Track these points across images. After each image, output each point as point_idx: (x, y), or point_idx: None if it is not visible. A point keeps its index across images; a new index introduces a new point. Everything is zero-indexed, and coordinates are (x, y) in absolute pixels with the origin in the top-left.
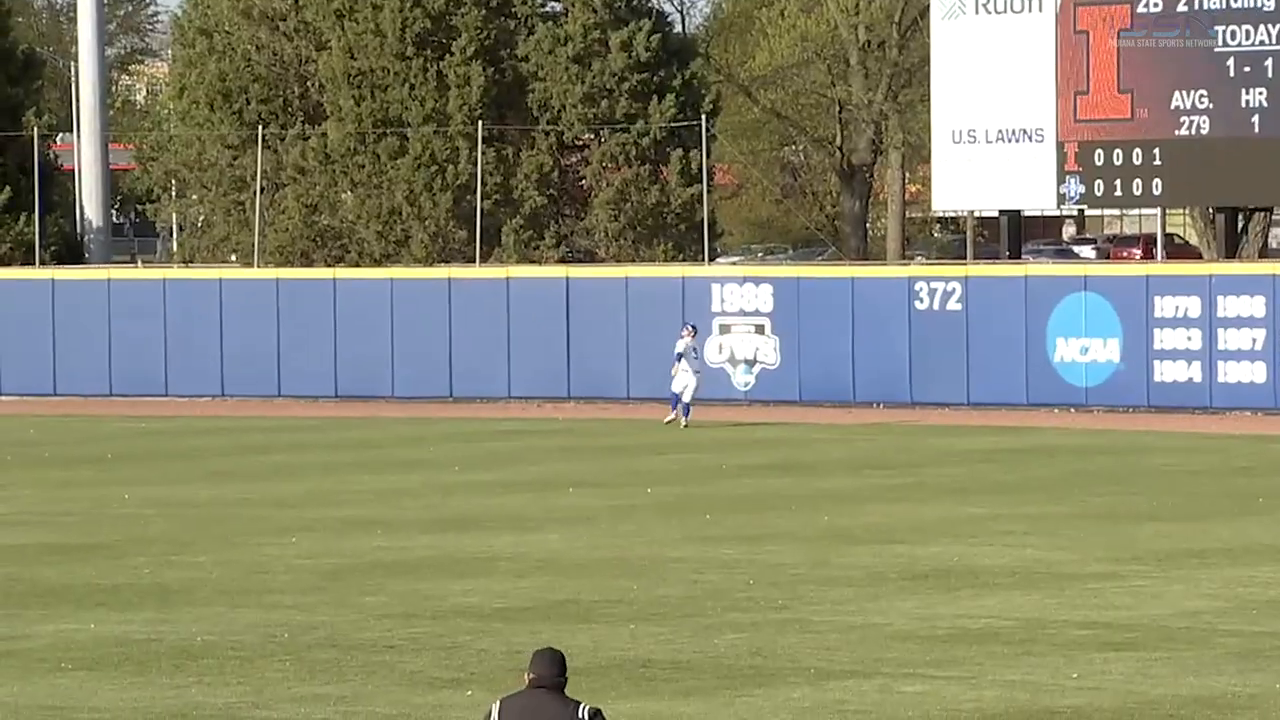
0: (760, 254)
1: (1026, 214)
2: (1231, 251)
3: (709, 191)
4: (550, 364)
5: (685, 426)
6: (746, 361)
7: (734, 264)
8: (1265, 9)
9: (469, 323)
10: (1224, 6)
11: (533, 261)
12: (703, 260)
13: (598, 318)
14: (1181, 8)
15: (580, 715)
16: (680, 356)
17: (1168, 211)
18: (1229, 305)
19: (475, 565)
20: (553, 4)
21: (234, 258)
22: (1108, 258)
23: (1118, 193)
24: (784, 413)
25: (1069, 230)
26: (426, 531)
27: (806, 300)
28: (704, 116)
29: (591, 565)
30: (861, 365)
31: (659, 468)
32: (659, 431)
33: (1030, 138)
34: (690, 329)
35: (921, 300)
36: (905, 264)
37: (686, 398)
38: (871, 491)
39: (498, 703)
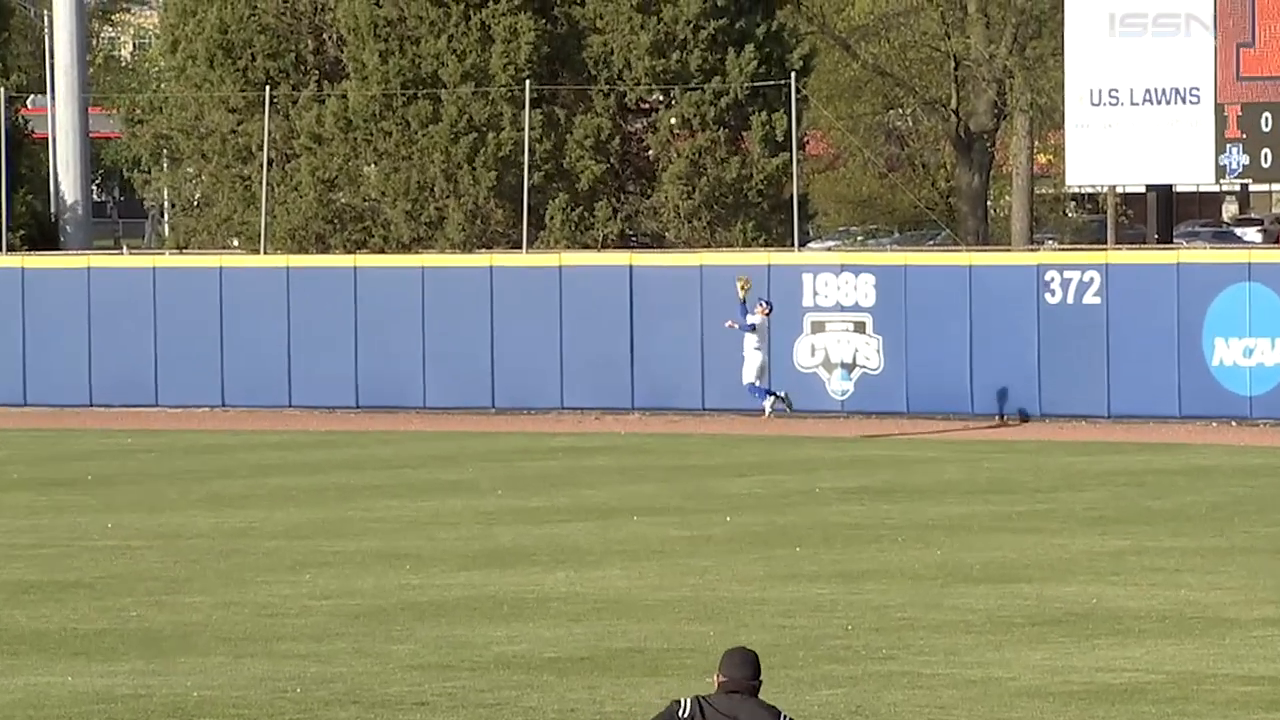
0: (860, 238)
1: (1179, 190)
2: None
3: (799, 163)
4: (610, 369)
5: (773, 414)
6: (844, 365)
7: (829, 249)
8: None
9: (514, 319)
10: None
11: (589, 246)
12: (792, 245)
13: (667, 313)
14: None
15: None
16: (753, 328)
17: None
18: None
19: (522, 607)
20: None
21: (236, 242)
22: (1276, 241)
23: None
24: (888, 426)
25: (1230, 209)
26: (464, 567)
27: (915, 293)
28: (793, 74)
29: (660, 607)
30: (981, 370)
31: (739, 491)
32: (740, 448)
33: (1184, 99)
34: (766, 305)
35: (1053, 293)
36: (1033, 250)
37: (763, 380)
38: (992, 520)
39: (689, 698)
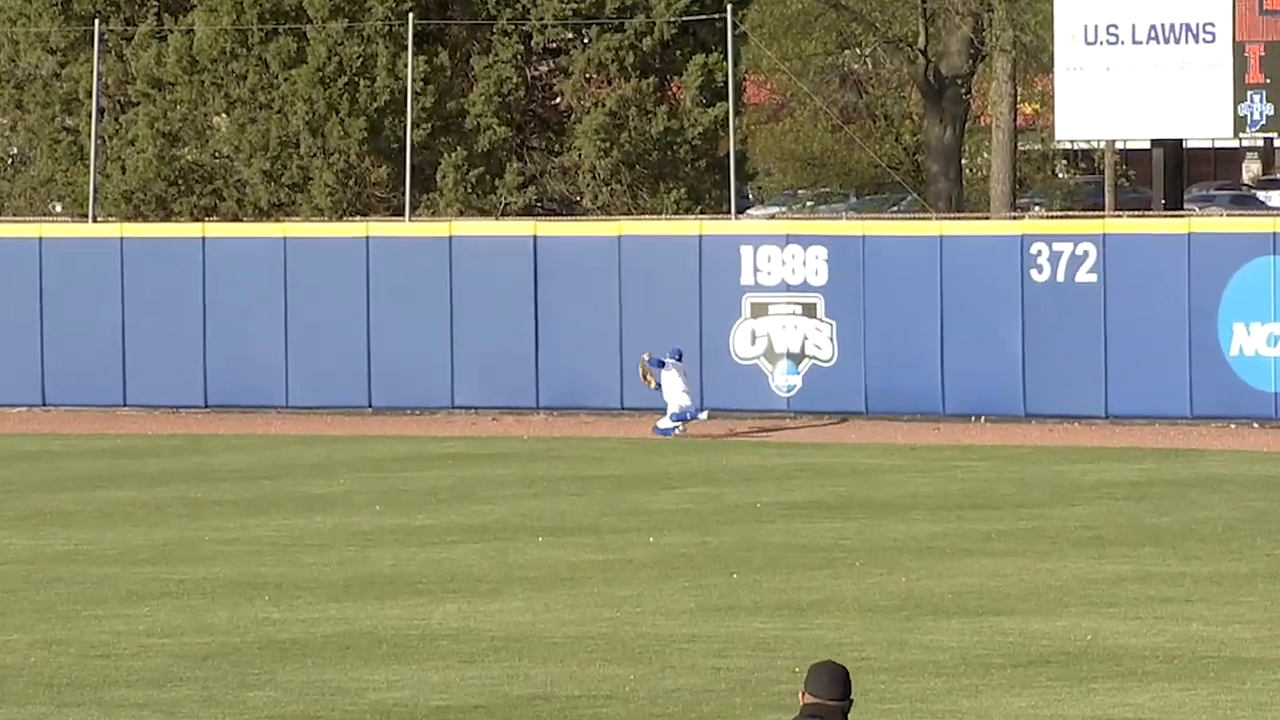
0: (810, 203)
1: (1190, 146)
2: None
3: (737, 114)
4: (511, 360)
5: (681, 432)
6: (790, 356)
7: (773, 217)
8: None
9: (396, 301)
10: None
11: (487, 214)
12: (728, 212)
13: (579, 295)
14: None
15: None
16: (662, 364)
17: None
18: None
19: (405, 646)
20: None
21: (59, 208)
22: None
23: None
24: (843, 430)
25: (1252, 169)
26: (335, 598)
27: (876, 269)
28: (729, 6)
29: (569, 645)
30: (954, 362)
31: (665, 507)
32: (666, 454)
33: (1196, 36)
34: (676, 359)
35: (1040, 269)
36: (1017, 217)
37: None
38: (968, 541)
39: None
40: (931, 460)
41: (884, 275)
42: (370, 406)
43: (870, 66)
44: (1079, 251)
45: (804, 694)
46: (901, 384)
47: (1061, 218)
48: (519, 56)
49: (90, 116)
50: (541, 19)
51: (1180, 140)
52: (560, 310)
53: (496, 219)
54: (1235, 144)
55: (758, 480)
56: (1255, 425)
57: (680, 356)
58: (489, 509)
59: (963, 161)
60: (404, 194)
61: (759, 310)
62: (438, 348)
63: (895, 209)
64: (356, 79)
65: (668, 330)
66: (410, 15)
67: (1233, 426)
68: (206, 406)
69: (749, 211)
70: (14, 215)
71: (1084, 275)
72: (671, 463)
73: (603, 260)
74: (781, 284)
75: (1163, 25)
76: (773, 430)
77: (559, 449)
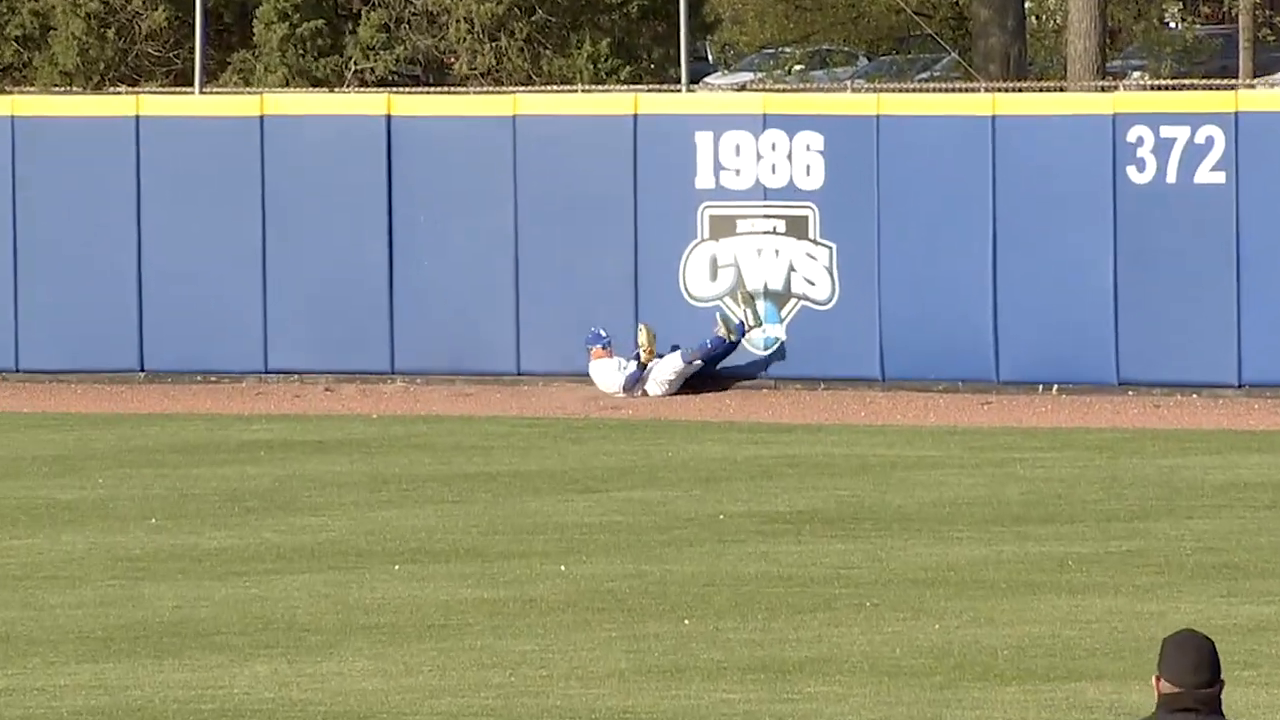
0: (798, 67)
1: None
2: None
3: None
4: (355, 303)
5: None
6: (769, 296)
7: (744, 88)
8: None
9: (179, 215)
10: None
11: (320, 83)
12: (677, 81)
13: (455, 203)
14: None
15: None
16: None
17: None
18: None
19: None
20: None
21: None
22: None
23: None
24: (847, 405)
25: None
26: (90, 655)
27: (896, 166)
28: None
29: None
30: (1014, 305)
31: (585, 519)
32: (586, 439)
33: None
34: (603, 342)
35: (1141, 165)
36: (1108, 88)
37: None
38: (1033, 571)
39: None
40: (979, 450)
41: (908, 175)
42: (142, 370)
43: None
44: (1199, 138)
45: (1158, 679)
46: (934, 337)
47: (1174, 88)
48: None
49: None
50: None
51: None
52: (427, 229)
53: (330, 91)
54: None
55: (721, 480)
56: None
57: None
58: (320, 523)
59: (1025, 6)
60: (194, 53)
61: (722, 228)
62: (243, 285)
63: (925, 75)
64: None
65: (584, 259)
66: None
67: None
68: None
69: (708, 80)
70: None
71: (1206, 174)
72: (594, 453)
73: (489, 153)
74: (756, 188)
75: None
76: (743, 405)
77: (424, 434)
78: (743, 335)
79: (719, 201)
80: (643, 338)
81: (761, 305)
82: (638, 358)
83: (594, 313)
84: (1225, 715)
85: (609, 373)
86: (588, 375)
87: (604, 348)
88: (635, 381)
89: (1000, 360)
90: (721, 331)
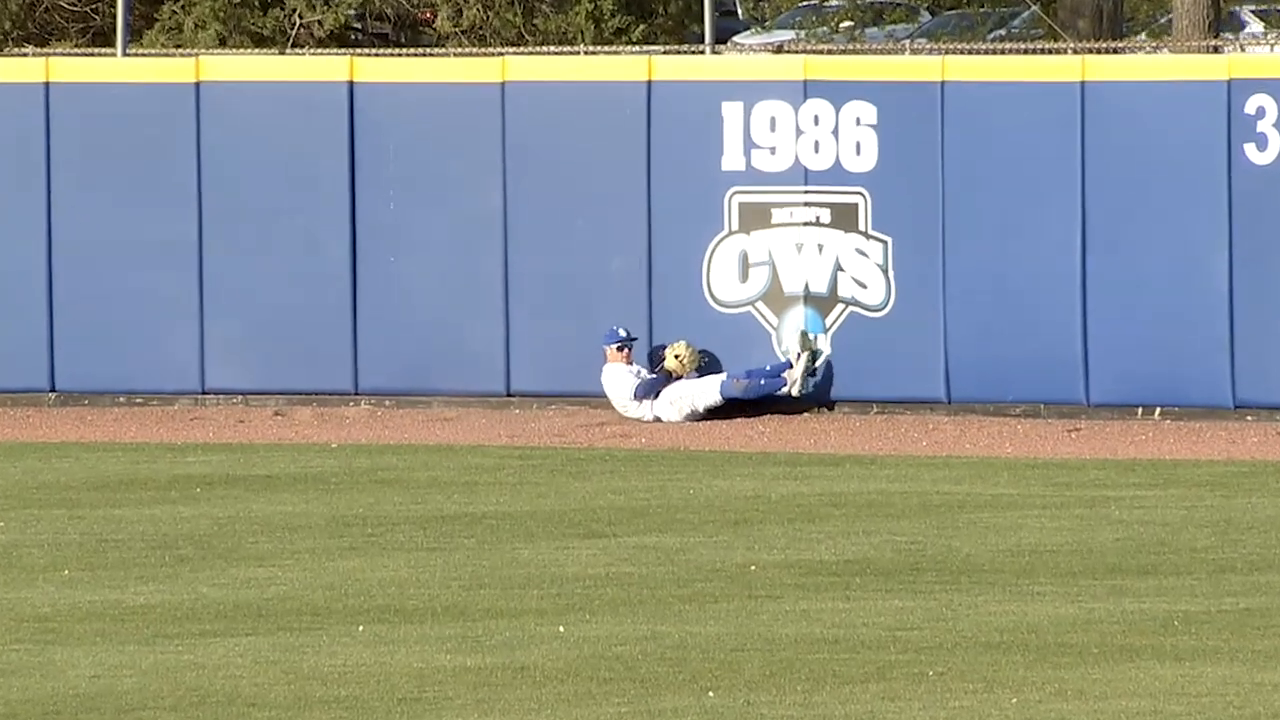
0: (846, 24)
1: None
2: None
3: None
4: (311, 310)
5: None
6: (811, 301)
7: (781, 50)
8: None
9: (97, 201)
10: None
11: (264, 41)
12: (701, 41)
13: (430, 186)
14: None
15: None
16: (645, 388)
17: None
18: None
19: None
20: None
21: None
22: None
23: None
24: (904, 432)
25: None
26: None
27: (964, 143)
28: None
29: None
30: (1107, 313)
31: (589, 570)
32: (592, 474)
33: None
34: (622, 342)
35: (1262, 141)
36: (1220, 48)
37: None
38: (1132, 633)
39: None
40: (1065, 488)
41: (979, 155)
42: (53, 390)
43: None
44: None
45: None
46: (1010, 350)
47: None
48: None
49: None
50: None
51: None
52: (396, 216)
53: (284, 51)
54: None
55: (753, 523)
56: None
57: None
58: (269, 574)
59: None
60: (114, 7)
61: (754, 218)
62: (174, 287)
63: (1001, 34)
64: None
65: (587, 256)
66: None
67: None
68: None
69: (737, 40)
70: None
71: None
72: (599, 490)
73: (473, 126)
74: (795, 170)
75: None
76: (779, 431)
77: (394, 466)
78: (807, 390)
79: (750, 187)
80: (681, 348)
81: (800, 312)
82: (663, 367)
83: (598, 321)
84: None
85: (621, 378)
86: (589, 396)
87: (620, 349)
88: (651, 389)
89: (1090, 379)
90: (795, 370)
